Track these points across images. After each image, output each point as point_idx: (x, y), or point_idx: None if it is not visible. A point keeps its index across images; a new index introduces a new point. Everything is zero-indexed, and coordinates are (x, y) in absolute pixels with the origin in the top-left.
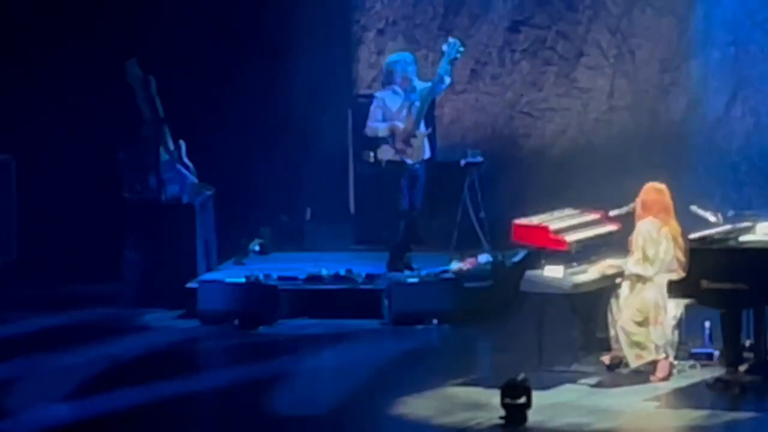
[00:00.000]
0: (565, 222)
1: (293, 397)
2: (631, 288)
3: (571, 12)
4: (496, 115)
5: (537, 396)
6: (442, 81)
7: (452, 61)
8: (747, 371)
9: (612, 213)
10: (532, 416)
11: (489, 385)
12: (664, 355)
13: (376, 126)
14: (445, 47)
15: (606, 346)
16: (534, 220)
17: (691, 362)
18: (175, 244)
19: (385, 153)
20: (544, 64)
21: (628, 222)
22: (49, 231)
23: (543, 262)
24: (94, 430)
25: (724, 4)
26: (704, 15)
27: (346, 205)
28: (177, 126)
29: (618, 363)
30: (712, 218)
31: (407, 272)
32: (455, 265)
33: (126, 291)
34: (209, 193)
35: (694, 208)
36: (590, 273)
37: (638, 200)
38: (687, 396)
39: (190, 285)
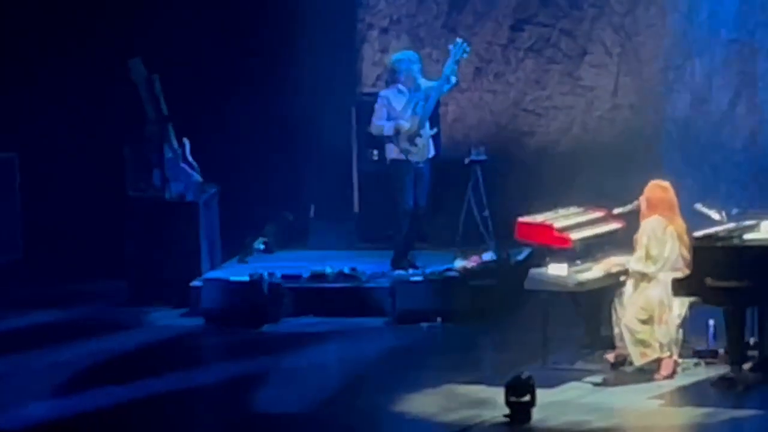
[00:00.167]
0: (569, 220)
1: (296, 394)
2: (636, 286)
3: (575, 10)
4: (500, 113)
5: (541, 394)
6: (448, 81)
7: (458, 62)
8: (751, 369)
9: (616, 211)
10: (537, 414)
11: (493, 383)
12: (668, 353)
13: (381, 125)
14: (451, 47)
15: (610, 344)
16: (538, 218)
17: (696, 360)
18: (179, 242)
19: (390, 152)
20: (548, 62)
21: (632, 220)
22: (54, 229)
23: (547, 260)
24: (82, 427)
25: (728, 2)
26: (708, 12)
27: (351, 203)
28: (181, 124)
29: (622, 361)
30: (716, 216)
31: (411, 270)
32: (459, 264)
33: (130, 289)
34: (213, 191)
35: (698, 206)
36: (594, 271)
37: (643, 198)
38: (691, 394)
39: (194, 283)
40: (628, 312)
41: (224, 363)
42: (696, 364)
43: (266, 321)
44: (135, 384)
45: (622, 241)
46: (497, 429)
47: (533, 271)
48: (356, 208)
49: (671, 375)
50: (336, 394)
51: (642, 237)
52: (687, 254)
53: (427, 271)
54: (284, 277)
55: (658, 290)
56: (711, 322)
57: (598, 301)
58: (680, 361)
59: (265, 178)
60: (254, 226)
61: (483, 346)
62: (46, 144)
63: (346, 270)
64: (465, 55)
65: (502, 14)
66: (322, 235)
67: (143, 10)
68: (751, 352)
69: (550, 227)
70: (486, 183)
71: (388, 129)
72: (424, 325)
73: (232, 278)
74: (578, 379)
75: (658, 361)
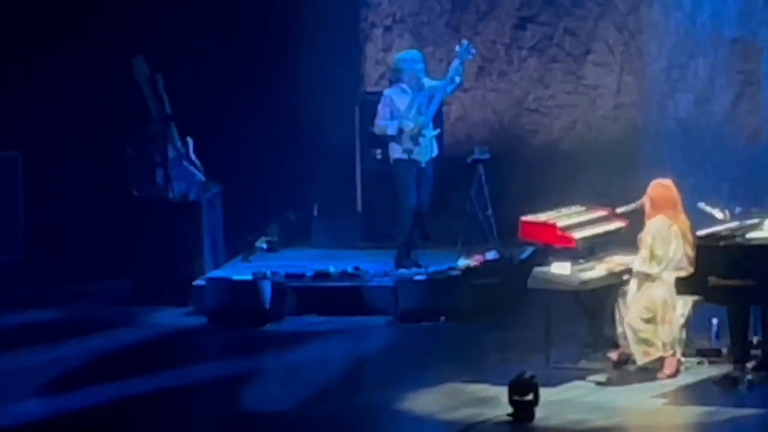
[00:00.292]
0: (572, 219)
1: (299, 392)
2: (639, 285)
3: (578, 8)
4: (504, 112)
5: (544, 393)
6: (452, 81)
7: (463, 63)
8: (754, 368)
9: (619, 210)
10: (539, 413)
11: (496, 382)
12: (671, 352)
13: (385, 124)
14: (458, 48)
15: (613, 342)
16: (541, 217)
17: (699, 359)
18: (182, 241)
19: (393, 151)
20: (551, 61)
21: (635, 219)
22: (57, 228)
23: (550, 259)
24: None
25: (730, 1)
26: (711, 12)
27: (354, 202)
28: (184, 123)
29: (625, 360)
30: (719, 215)
31: (414, 269)
32: (463, 262)
33: (133, 288)
34: (216, 190)
35: (701, 205)
36: (598, 270)
37: (646, 199)
38: (694, 393)
39: (197, 282)
40: (631, 311)
41: (226, 361)
42: (699, 363)
43: (269, 320)
44: (136, 382)
45: (626, 239)
46: (500, 428)
47: (536, 270)
48: (359, 207)
49: (674, 374)
50: (339, 393)
51: (647, 237)
52: (691, 251)
53: (430, 270)
54: (287, 275)
55: (662, 290)
56: (714, 320)
57: (601, 299)
58: (683, 360)
59: (269, 177)
60: (257, 225)
61: (486, 345)
62: (49, 143)
63: (350, 269)
64: (470, 57)
65: (505, 13)
66: (325, 234)
67: (146, 8)
68: (754, 351)
69: (553, 226)
70: (489, 182)
71: (391, 128)
72: (426, 324)
73: (235, 277)
74: (581, 378)
75: (661, 360)
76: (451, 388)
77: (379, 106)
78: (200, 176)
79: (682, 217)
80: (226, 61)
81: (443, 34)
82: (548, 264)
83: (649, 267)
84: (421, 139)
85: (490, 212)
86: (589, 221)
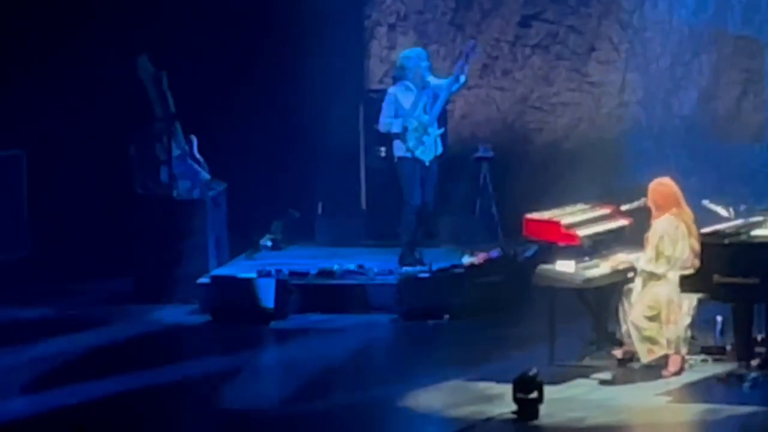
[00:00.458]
0: (576, 217)
1: (303, 389)
2: (644, 284)
3: (582, 6)
4: (508, 110)
5: (548, 390)
6: (457, 80)
7: (468, 62)
8: (758, 365)
9: (624, 207)
10: (544, 411)
11: (500, 380)
12: (675, 350)
13: (389, 122)
14: (464, 47)
15: (618, 340)
16: (545, 214)
17: (703, 357)
18: (186, 239)
19: (398, 149)
20: (555, 59)
21: (639, 216)
22: (61, 226)
23: (555, 257)
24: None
25: None
26: (715, 9)
27: (358, 200)
28: (188, 121)
29: (630, 358)
30: (723, 213)
31: (419, 267)
32: (467, 260)
33: (137, 287)
34: (220, 188)
35: (705, 202)
36: (602, 268)
37: (649, 202)
38: (698, 390)
39: (201, 280)
40: (635, 309)
41: (229, 358)
42: (703, 361)
43: (273, 318)
44: (135, 381)
45: (630, 237)
46: (504, 425)
47: (541, 267)
48: (364, 205)
49: (679, 372)
50: (343, 390)
51: (653, 237)
52: (696, 244)
53: (435, 267)
54: (292, 273)
55: (667, 289)
56: (718, 318)
57: (606, 297)
58: (687, 357)
59: (273, 175)
60: (262, 223)
61: (490, 342)
62: (53, 142)
63: (354, 267)
64: (474, 55)
65: (509, 11)
66: (329, 232)
67: (150, 7)
68: (758, 349)
69: (557, 224)
70: (493, 180)
71: (396, 126)
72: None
73: (240, 275)
74: (585, 375)
75: (665, 358)
76: (455, 385)
77: (384, 104)
78: (204, 174)
79: (687, 210)
80: (230, 59)
81: (447, 32)
82: (552, 262)
83: (655, 266)
84: (425, 138)
85: (494, 210)
86: (594, 219)
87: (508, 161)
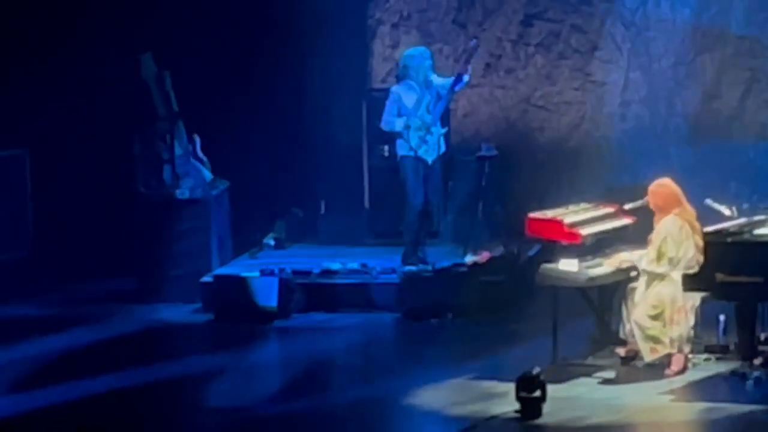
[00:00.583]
0: (579, 215)
1: (306, 388)
2: (648, 283)
3: (585, 5)
4: (511, 109)
5: (552, 389)
6: (461, 79)
7: (471, 60)
8: (762, 364)
9: (627, 206)
10: (547, 409)
11: (503, 379)
12: (678, 349)
13: (392, 121)
14: (467, 46)
15: (621, 339)
16: (548, 213)
17: (706, 355)
18: (189, 238)
19: (400, 148)
20: (558, 58)
21: (643, 215)
22: (63, 226)
23: (558, 256)
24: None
25: None
26: (718, 8)
27: (361, 199)
28: (191, 120)
29: (633, 356)
30: (726, 212)
31: (421, 266)
32: (470, 259)
33: (140, 286)
34: (224, 187)
35: (708, 201)
36: (605, 266)
37: (650, 205)
38: (701, 389)
39: (204, 279)
40: (638, 308)
41: (232, 357)
42: (706, 360)
43: (277, 317)
44: (136, 379)
45: (633, 236)
46: (507, 424)
47: (544, 266)
48: (366, 204)
49: (682, 371)
50: (346, 389)
51: (656, 238)
52: (700, 241)
53: (438, 266)
54: (295, 272)
55: (671, 288)
56: (722, 317)
57: (609, 296)
58: (691, 356)
59: (276, 174)
60: (265, 222)
61: (493, 341)
62: (56, 141)
63: (357, 266)
64: (477, 54)
65: (512, 10)
66: (332, 231)
67: (152, 6)
68: (761, 347)
69: (560, 223)
70: (496, 179)
71: (398, 125)
72: (434, 320)
73: (243, 274)
74: (588, 374)
75: (668, 357)
76: (458, 384)
77: (387, 103)
78: (207, 173)
79: (689, 208)
80: (233, 58)
81: (450, 31)
82: (556, 261)
83: (657, 267)
84: (428, 137)
85: (497, 208)
86: (597, 218)
87: (510, 160)
